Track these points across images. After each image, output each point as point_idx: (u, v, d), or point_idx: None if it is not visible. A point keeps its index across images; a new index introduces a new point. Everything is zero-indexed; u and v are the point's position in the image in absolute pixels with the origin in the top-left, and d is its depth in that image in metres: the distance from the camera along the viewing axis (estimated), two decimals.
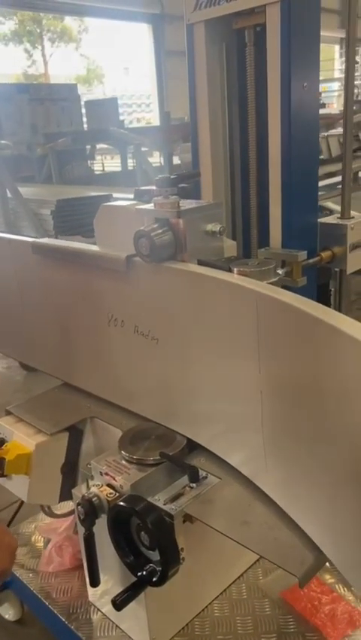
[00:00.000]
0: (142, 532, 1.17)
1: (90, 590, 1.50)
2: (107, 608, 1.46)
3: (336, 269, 1.53)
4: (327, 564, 1.09)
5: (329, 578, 1.53)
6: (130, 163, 7.30)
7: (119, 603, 1.12)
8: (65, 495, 1.57)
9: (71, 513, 1.68)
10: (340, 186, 1.53)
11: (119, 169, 8.72)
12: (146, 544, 1.17)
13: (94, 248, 1.48)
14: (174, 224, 1.25)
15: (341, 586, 1.50)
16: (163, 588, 1.20)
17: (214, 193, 1.53)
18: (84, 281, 1.50)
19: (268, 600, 1.48)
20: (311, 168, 1.41)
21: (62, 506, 1.72)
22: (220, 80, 1.48)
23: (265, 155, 1.42)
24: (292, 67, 1.28)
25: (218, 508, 1.18)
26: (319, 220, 1.47)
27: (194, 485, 1.25)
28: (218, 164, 1.53)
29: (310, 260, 1.41)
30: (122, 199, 3.70)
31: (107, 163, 11.37)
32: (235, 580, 1.54)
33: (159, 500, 1.21)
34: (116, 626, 1.43)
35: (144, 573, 1.16)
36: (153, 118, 17.70)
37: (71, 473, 1.58)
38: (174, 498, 1.22)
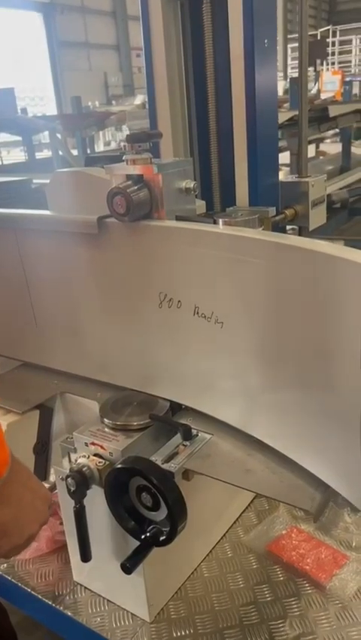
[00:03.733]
0: (143, 493, 1.14)
1: (75, 570, 1.45)
2: (96, 585, 1.41)
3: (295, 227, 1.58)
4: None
5: (306, 527, 1.58)
6: (38, 153, 7.04)
7: (130, 566, 1.09)
8: (38, 475, 1.50)
9: None
10: None
11: (18, 161, 8.38)
12: (148, 505, 1.14)
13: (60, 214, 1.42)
14: (151, 180, 1.23)
15: (318, 533, 1.56)
16: (158, 554, 1.18)
17: (175, 154, 1.52)
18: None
19: (253, 555, 1.50)
20: (273, 125, 1.44)
21: None
22: (176, 39, 1.46)
23: (225, 114, 1.43)
24: (255, 23, 1.30)
25: (217, 461, 1.18)
26: (280, 179, 1.50)
27: (187, 443, 1.24)
28: (177, 125, 1.51)
29: (277, 218, 1.44)
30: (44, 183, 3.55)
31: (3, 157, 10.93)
32: (219, 541, 1.55)
33: (156, 461, 1.19)
34: (108, 600, 1.39)
35: (148, 535, 1.14)
36: (49, 112, 17.21)
37: (42, 453, 1.52)
38: (170, 458, 1.21)
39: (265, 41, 1.34)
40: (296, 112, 4.45)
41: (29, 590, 1.45)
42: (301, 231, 1.54)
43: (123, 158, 1.26)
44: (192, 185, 1.28)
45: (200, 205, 1.38)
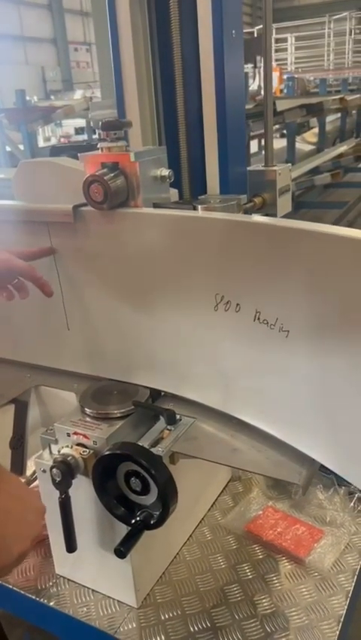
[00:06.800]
0: (132, 478, 1.15)
1: (57, 563, 1.43)
2: (80, 576, 1.41)
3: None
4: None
5: (281, 506, 1.63)
6: None
7: (124, 550, 1.10)
8: (16, 470, 1.49)
9: None
10: None
11: None
12: (137, 490, 1.15)
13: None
14: (127, 167, 1.23)
15: (293, 511, 1.61)
16: (142, 540, 1.19)
17: (144, 144, 1.52)
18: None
19: (232, 536, 1.54)
20: (241, 114, 1.47)
21: None
22: (143, 28, 1.47)
23: (194, 103, 1.45)
24: (224, 13, 1.32)
25: (204, 443, 1.21)
26: (248, 168, 1.54)
27: (172, 427, 1.26)
28: (145, 115, 1.52)
29: (247, 206, 1.47)
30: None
31: None
32: (198, 525, 1.57)
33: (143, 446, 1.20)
34: (93, 590, 1.39)
35: (139, 519, 1.15)
36: None
37: (19, 447, 1.50)
38: (156, 442, 1.22)
39: (233, 32, 1.37)
40: (247, 106, 4.51)
41: (10, 587, 1.42)
42: None
43: (98, 146, 1.26)
44: (167, 173, 1.29)
45: (173, 194, 1.39)
